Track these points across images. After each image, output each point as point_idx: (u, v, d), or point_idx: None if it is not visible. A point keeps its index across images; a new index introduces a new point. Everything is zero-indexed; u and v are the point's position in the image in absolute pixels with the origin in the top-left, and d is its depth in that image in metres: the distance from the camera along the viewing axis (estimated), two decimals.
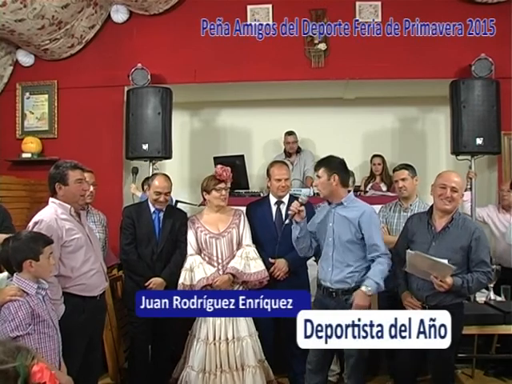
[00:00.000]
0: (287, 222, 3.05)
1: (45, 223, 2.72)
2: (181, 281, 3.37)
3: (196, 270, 3.38)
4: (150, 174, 4.37)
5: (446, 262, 2.73)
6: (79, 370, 2.72)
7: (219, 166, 3.54)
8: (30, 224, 2.78)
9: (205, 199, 3.60)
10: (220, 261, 3.45)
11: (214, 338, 3.29)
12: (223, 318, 3.27)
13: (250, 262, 3.41)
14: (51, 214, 2.78)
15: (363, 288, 2.82)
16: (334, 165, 3.03)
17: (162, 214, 3.59)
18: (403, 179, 3.70)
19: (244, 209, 3.73)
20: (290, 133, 5.63)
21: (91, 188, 3.57)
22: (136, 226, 3.55)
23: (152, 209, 3.59)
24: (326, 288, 2.99)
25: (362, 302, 2.80)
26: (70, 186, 2.85)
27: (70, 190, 2.85)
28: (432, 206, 2.99)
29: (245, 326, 3.33)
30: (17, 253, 2.36)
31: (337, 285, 2.95)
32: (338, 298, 2.95)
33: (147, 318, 3.36)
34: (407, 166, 3.79)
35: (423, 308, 2.82)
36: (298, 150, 5.67)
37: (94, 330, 2.94)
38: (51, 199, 2.89)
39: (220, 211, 3.54)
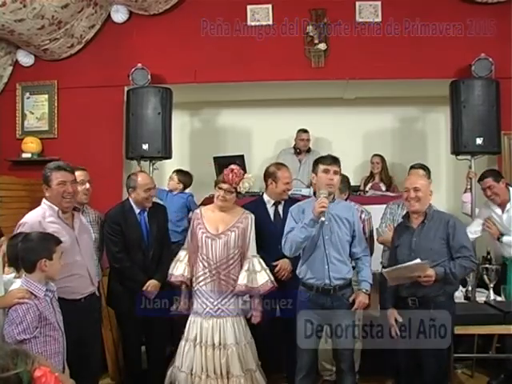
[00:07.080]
0: (324, 219, 2.88)
1: (27, 226, 2.75)
2: (171, 271, 3.39)
3: (178, 264, 3.39)
4: (150, 175, 4.34)
5: (417, 260, 2.85)
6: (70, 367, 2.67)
7: (232, 167, 3.36)
8: (17, 225, 2.80)
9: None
10: (213, 262, 3.29)
11: (201, 341, 3.21)
12: (211, 322, 3.21)
13: (255, 276, 3.27)
14: (36, 217, 2.81)
15: (364, 291, 3.03)
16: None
17: (146, 214, 3.53)
18: None
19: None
20: (304, 130, 5.62)
21: (87, 186, 3.55)
22: (124, 232, 3.46)
23: (137, 210, 3.51)
24: (321, 286, 2.99)
25: (367, 301, 3.05)
26: (53, 188, 2.87)
27: (53, 192, 2.87)
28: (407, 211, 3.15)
29: (231, 334, 3.21)
30: (30, 252, 2.34)
31: (336, 281, 2.98)
32: (334, 294, 2.98)
33: (136, 320, 3.37)
34: (424, 167, 3.77)
35: (412, 302, 2.94)
36: (308, 150, 5.66)
37: (82, 330, 2.81)
38: (43, 200, 2.92)
39: (226, 211, 3.37)
